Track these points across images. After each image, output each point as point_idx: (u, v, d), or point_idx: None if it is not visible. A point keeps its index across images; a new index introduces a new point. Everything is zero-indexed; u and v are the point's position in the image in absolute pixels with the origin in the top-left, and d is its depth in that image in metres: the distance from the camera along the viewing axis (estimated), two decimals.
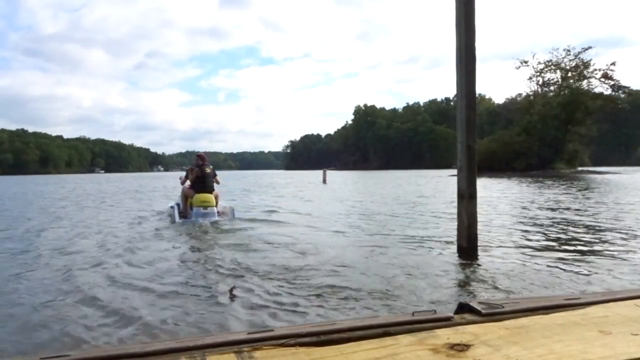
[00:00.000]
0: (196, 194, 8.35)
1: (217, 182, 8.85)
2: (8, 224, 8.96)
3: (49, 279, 4.20)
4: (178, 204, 8.88)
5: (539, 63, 48.82)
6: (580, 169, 46.93)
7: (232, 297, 3.39)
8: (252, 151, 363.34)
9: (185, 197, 8.60)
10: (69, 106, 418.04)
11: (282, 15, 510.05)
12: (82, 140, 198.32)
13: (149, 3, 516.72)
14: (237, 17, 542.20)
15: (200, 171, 8.52)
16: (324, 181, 29.84)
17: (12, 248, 6.05)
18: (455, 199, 4.87)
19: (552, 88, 49.55)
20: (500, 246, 5.47)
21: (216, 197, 8.60)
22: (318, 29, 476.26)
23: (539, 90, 50.71)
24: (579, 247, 5.39)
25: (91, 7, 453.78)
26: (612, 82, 43.00)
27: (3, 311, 3.29)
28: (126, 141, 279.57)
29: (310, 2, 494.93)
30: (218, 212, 8.37)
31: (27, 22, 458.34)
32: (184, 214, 8.44)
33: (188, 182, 8.81)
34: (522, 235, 6.35)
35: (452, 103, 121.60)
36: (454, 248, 5.04)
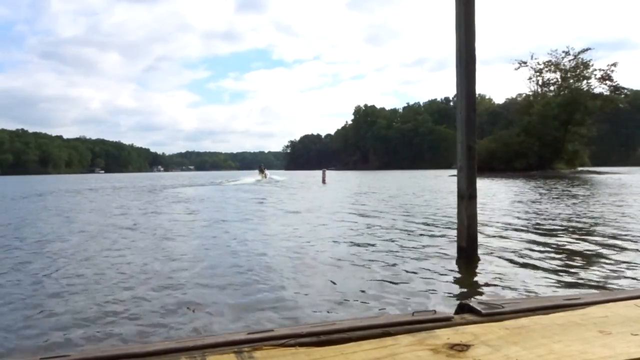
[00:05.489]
0: (260, 173, 42.25)
1: (265, 174, 42.70)
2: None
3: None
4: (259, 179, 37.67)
5: (538, 64, 48.92)
6: (580, 169, 46.92)
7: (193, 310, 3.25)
8: (252, 151, 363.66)
9: (259, 174, 42.08)
10: (77, 107, 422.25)
11: (295, 19, 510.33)
12: (82, 141, 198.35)
13: (168, 7, 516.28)
14: (252, 21, 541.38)
15: (260, 168, 44.95)
16: (323, 181, 29.86)
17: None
18: (455, 199, 4.87)
19: (552, 88, 49.61)
20: (500, 246, 5.47)
21: (265, 175, 41.79)
22: (329, 32, 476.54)
23: (539, 90, 50.76)
24: (579, 247, 5.39)
25: (110, 11, 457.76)
26: (610, 84, 43.08)
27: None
28: (132, 141, 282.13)
29: (323, 7, 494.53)
30: (266, 177, 41.27)
31: (47, 26, 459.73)
32: (259, 178, 38.99)
33: (259, 171, 43.71)
34: (522, 236, 6.35)
35: (451, 103, 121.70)
36: (453, 248, 5.04)
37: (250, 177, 40.62)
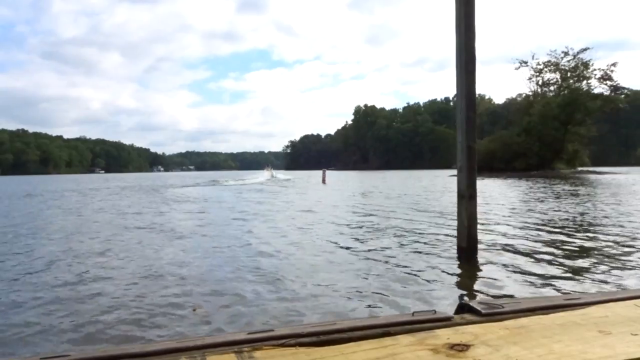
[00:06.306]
0: (268, 172, 48.25)
1: (272, 172, 48.42)
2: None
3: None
4: (269, 178, 41.63)
5: (538, 64, 48.91)
6: (580, 169, 46.92)
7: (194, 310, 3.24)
8: (252, 151, 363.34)
9: (266, 172, 49.20)
10: (78, 107, 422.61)
11: (296, 19, 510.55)
12: (82, 141, 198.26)
13: (168, 7, 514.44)
14: (252, 21, 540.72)
15: (267, 168, 53.17)
16: (323, 181, 29.85)
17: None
18: (455, 199, 4.87)
19: (551, 88, 49.62)
20: (500, 246, 5.46)
21: (272, 174, 46.12)
22: (330, 32, 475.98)
23: (539, 90, 50.76)
24: (579, 247, 5.38)
25: (111, 11, 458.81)
26: (610, 83, 43.09)
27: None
28: (132, 141, 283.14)
29: (324, 7, 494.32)
30: (273, 176, 45.46)
31: (48, 26, 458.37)
32: (268, 177, 43.29)
33: (267, 170, 50.82)
34: (522, 236, 6.35)
35: (451, 103, 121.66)
36: (453, 248, 5.04)
37: (256, 176, 45.00)
